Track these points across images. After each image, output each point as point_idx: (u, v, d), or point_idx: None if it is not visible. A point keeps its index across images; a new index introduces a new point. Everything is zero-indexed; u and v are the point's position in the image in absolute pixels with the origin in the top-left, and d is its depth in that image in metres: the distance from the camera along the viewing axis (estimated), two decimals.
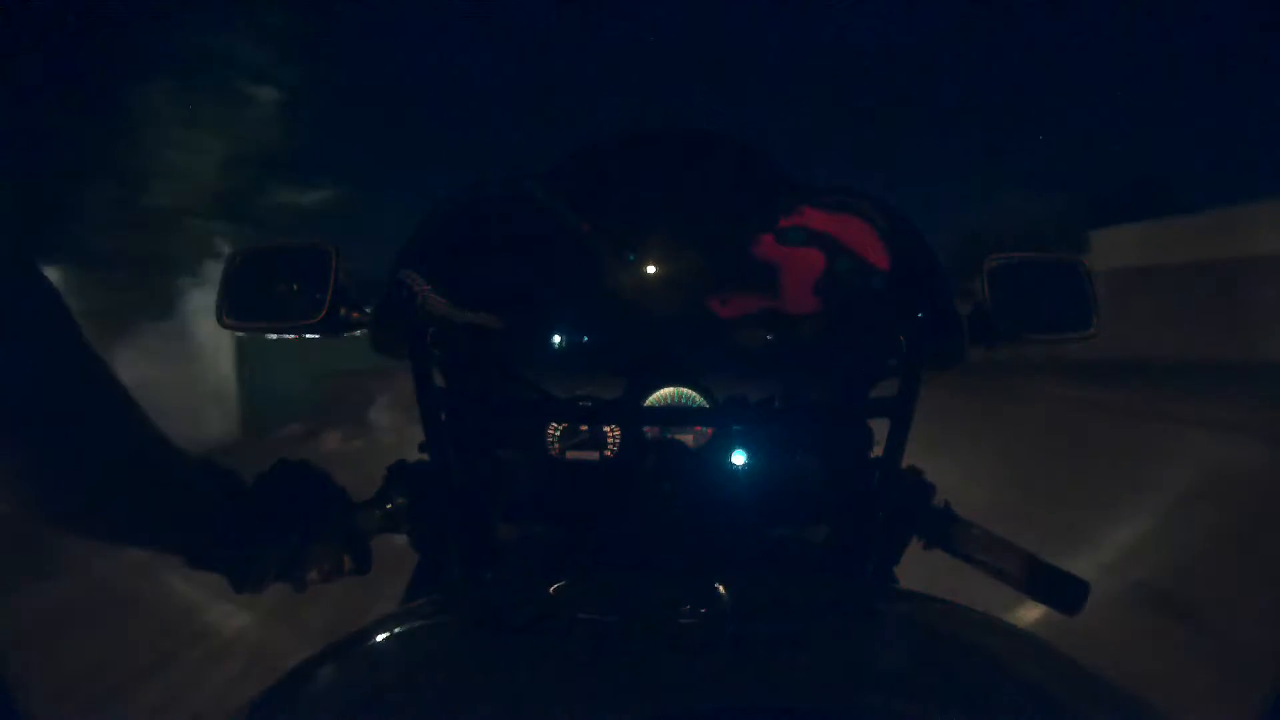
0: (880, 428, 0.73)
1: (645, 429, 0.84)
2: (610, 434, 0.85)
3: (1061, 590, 0.67)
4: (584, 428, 0.85)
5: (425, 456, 0.76)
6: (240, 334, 0.79)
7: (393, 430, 6.74)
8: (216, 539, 0.61)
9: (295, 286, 0.78)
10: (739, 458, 0.78)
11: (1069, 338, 0.78)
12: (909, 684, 0.44)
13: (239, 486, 0.65)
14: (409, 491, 0.74)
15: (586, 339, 0.78)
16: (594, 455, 0.85)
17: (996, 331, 0.76)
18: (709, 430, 0.84)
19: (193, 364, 7.60)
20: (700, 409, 0.83)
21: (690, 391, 0.83)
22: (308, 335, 0.79)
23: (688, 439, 0.82)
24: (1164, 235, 14.09)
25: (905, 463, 0.73)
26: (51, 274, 0.58)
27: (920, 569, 0.78)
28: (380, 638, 0.55)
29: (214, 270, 3.50)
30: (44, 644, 2.49)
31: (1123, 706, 0.45)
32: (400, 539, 0.76)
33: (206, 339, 7.74)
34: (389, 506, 0.74)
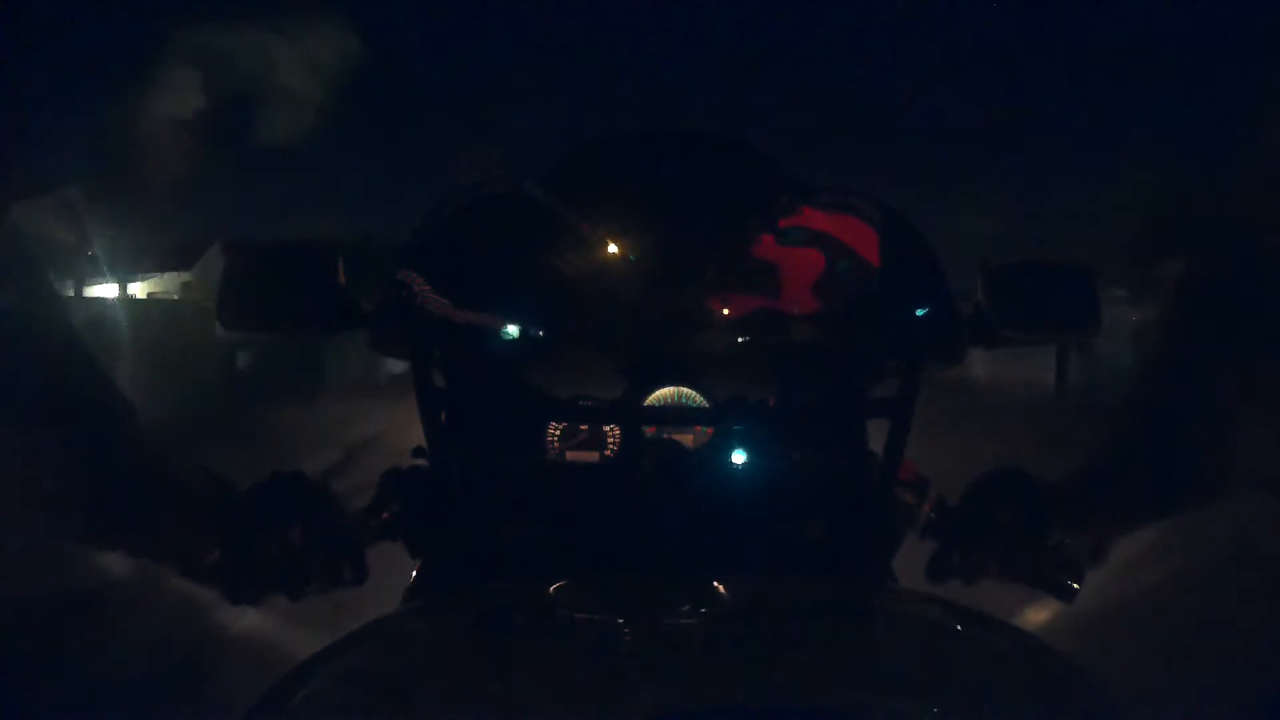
0: (880, 428, 0.73)
1: (645, 429, 0.84)
2: (610, 434, 0.85)
3: (1055, 576, 0.68)
4: (584, 428, 0.85)
5: (419, 462, 0.76)
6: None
7: None
8: (211, 550, 0.61)
9: (295, 286, 0.77)
10: (739, 458, 0.78)
11: (1070, 338, 0.79)
12: (908, 684, 0.44)
13: (234, 497, 0.65)
14: (405, 498, 0.74)
15: (586, 339, 0.78)
16: (594, 455, 0.85)
17: (996, 331, 0.76)
18: (709, 430, 0.84)
19: None
20: (700, 409, 0.83)
21: (690, 391, 0.83)
22: (308, 336, 0.78)
23: (688, 439, 0.82)
24: None
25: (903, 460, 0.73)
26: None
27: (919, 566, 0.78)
28: (380, 638, 0.55)
29: None
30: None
31: (1122, 705, 0.45)
32: (396, 547, 0.76)
33: None
34: (384, 514, 0.74)
